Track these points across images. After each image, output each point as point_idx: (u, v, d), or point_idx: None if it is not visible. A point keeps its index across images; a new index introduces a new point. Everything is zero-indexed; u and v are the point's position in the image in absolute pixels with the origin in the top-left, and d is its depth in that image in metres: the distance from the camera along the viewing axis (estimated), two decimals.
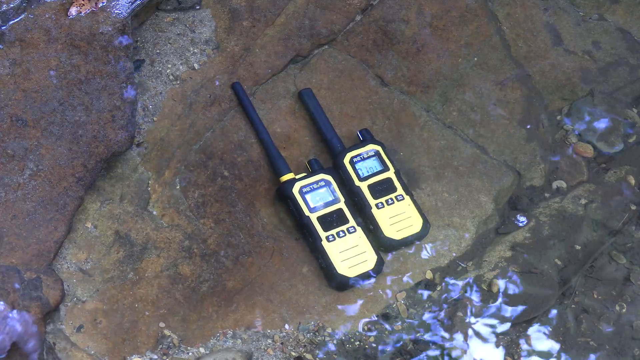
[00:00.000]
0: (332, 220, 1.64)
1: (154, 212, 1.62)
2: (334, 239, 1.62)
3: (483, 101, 1.82)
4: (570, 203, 1.76)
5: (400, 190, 1.68)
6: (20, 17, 1.61)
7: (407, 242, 1.66)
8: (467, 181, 1.75)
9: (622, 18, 1.97)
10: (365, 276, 1.62)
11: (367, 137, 1.72)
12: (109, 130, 1.60)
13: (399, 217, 1.66)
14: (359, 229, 1.64)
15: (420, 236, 1.67)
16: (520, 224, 1.73)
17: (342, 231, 1.63)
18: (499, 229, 1.73)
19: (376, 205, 1.66)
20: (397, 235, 1.65)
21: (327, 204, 1.64)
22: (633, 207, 1.76)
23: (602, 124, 1.84)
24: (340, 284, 1.61)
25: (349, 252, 1.62)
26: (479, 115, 1.81)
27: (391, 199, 1.67)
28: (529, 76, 1.86)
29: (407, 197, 1.68)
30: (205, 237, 1.61)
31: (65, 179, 1.55)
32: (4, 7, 1.59)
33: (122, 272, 1.56)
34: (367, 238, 1.64)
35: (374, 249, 1.63)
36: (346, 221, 1.64)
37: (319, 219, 1.63)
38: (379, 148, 1.71)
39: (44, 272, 1.49)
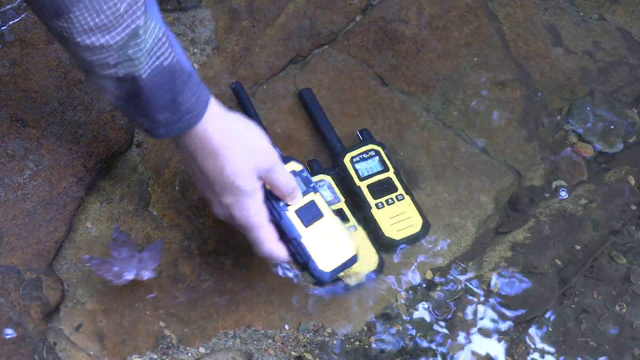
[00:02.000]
0: None
1: (154, 212, 1.62)
2: None
3: (483, 101, 1.82)
4: (570, 203, 1.76)
5: (400, 190, 1.68)
6: (20, 17, 1.61)
7: (407, 242, 1.66)
8: (467, 181, 1.75)
9: (622, 18, 1.97)
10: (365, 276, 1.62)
11: (367, 137, 1.72)
12: (109, 130, 1.60)
13: (399, 217, 1.66)
14: (359, 228, 1.63)
15: (420, 236, 1.67)
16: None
17: None
18: (499, 229, 1.73)
19: (376, 205, 1.66)
20: (397, 235, 1.65)
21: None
22: (633, 207, 1.76)
23: (602, 124, 1.84)
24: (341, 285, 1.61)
25: None
26: (479, 115, 1.81)
27: (391, 198, 1.67)
28: (529, 76, 1.86)
29: (407, 197, 1.68)
30: (205, 237, 1.61)
31: (65, 179, 1.55)
32: (4, 7, 1.59)
33: None
34: (368, 238, 1.63)
35: (374, 249, 1.63)
36: (346, 221, 1.63)
37: None
38: (379, 148, 1.71)
39: (44, 272, 1.49)
